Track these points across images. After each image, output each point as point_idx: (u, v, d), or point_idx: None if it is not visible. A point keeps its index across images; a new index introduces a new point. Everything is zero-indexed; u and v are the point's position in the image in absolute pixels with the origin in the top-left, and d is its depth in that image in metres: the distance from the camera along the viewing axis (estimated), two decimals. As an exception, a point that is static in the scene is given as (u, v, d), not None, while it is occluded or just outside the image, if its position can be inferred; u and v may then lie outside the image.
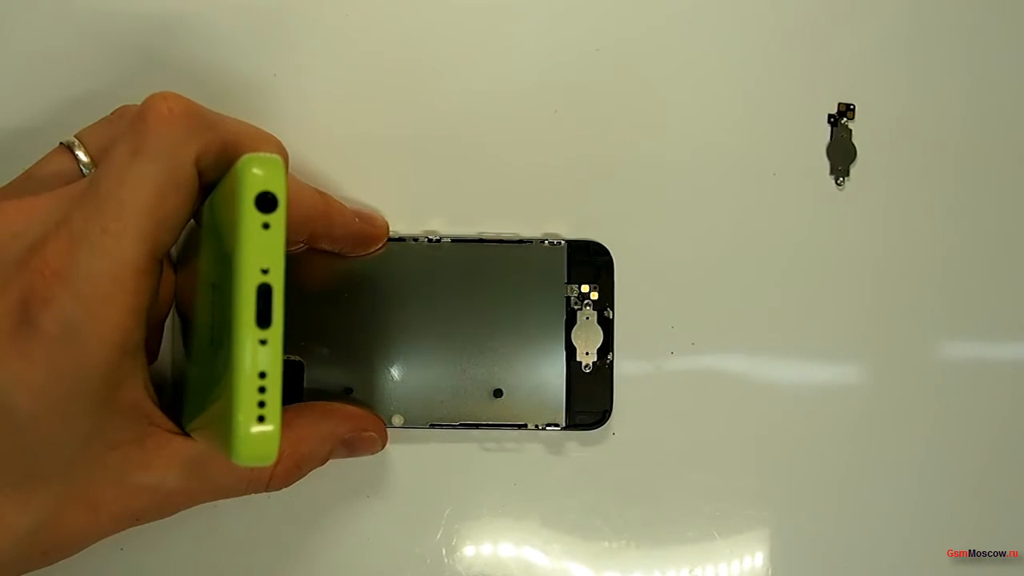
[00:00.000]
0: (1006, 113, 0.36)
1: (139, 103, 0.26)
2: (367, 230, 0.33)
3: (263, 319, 0.23)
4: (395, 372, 0.33)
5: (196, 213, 0.27)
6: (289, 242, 0.24)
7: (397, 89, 0.35)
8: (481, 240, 0.34)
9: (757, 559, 0.35)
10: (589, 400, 0.34)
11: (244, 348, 0.22)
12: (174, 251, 0.32)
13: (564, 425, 0.34)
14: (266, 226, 0.23)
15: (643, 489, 0.35)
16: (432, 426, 0.33)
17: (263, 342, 0.23)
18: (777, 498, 0.35)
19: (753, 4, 0.36)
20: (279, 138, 0.29)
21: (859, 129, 0.36)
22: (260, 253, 0.23)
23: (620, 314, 0.34)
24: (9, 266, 0.25)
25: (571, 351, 0.34)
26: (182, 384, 0.31)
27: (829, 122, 0.36)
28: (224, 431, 0.23)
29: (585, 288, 0.34)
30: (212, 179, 0.27)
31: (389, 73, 0.35)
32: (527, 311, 0.34)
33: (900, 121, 0.36)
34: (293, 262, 0.31)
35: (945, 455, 0.36)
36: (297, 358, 0.33)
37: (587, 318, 0.34)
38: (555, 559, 0.35)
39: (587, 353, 0.34)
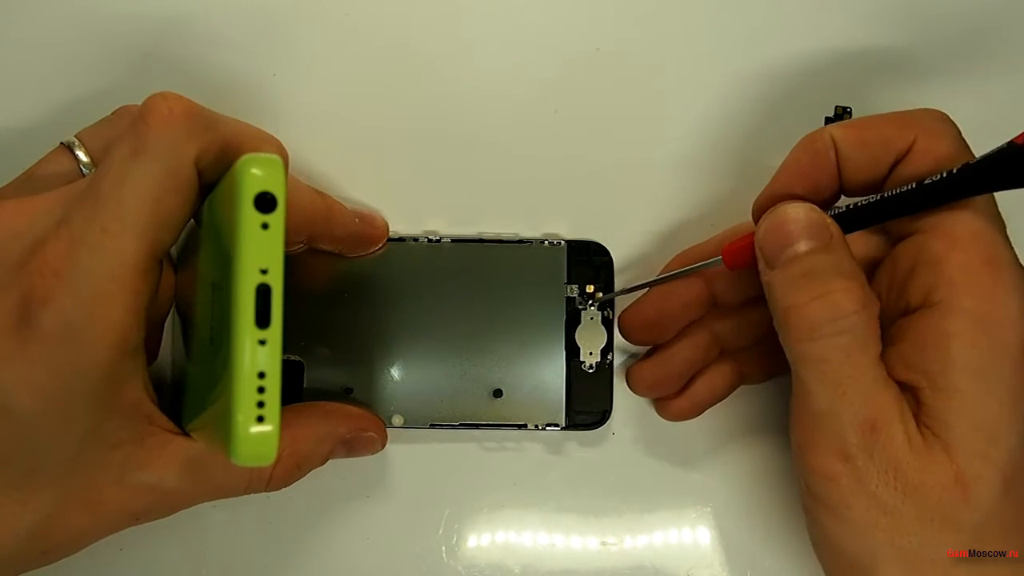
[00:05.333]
0: (1005, 114, 0.36)
1: (139, 103, 0.26)
2: (367, 230, 0.33)
3: (262, 319, 0.23)
4: (395, 372, 0.33)
5: (196, 213, 0.27)
6: (289, 242, 0.24)
7: (397, 89, 0.35)
8: (481, 240, 0.34)
9: (756, 559, 0.35)
10: (589, 400, 0.34)
11: (243, 348, 0.23)
12: (174, 251, 0.32)
13: (564, 425, 0.34)
14: (265, 226, 0.23)
15: (643, 489, 0.35)
16: (432, 426, 0.33)
17: (262, 342, 0.23)
18: (777, 498, 0.35)
19: (752, 5, 0.36)
20: (279, 138, 0.29)
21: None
22: (259, 253, 0.23)
23: (620, 314, 0.34)
24: (9, 266, 0.25)
25: (571, 351, 0.34)
26: (182, 384, 0.31)
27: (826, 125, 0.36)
28: (223, 431, 0.23)
29: (590, 288, 0.34)
30: (212, 179, 0.27)
31: (389, 73, 0.35)
32: (527, 311, 0.34)
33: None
34: (293, 262, 0.32)
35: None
36: (297, 358, 0.33)
37: (591, 318, 0.34)
38: (555, 559, 0.35)
39: (591, 353, 0.34)
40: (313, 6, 0.35)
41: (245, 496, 0.30)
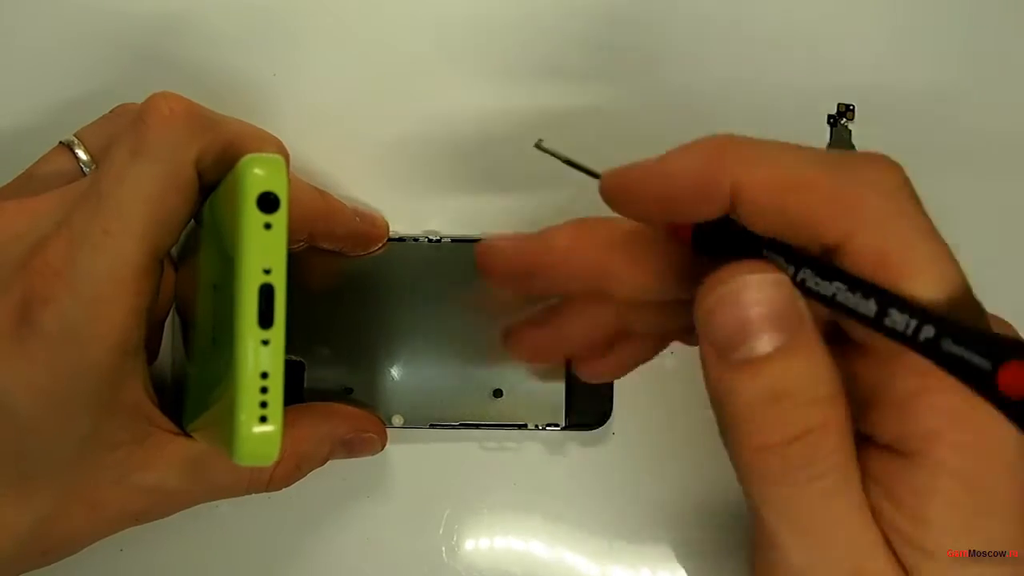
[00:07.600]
0: (1006, 112, 0.36)
1: (139, 102, 0.26)
2: (367, 229, 0.33)
3: (265, 319, 0.23)
4: (395, 372, 0.33)
5: (196, 213, 0.27)
6: (290, 241, 0.24)
7: (397, 89, 0.35)
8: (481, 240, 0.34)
9: (757, 559, 0.35)
10: (589, 400, 0.34)
11: (246, 348, 0.22)
12: (174, 251, 0.32)
13: (564, 425, 0.34)
14: (268, 226, 0.23)
15: (643, 489, 0.35)
16: (432, 426, 0.33)
17: (265, 342, 0.23)
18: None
19: (752, 4, 0.36)
20: (279, 138, 0.29)
21: (859, 129, 0.36)
22: (262, 253, 0.23)
23: (620, 314, 0.34)
24: (10, 266, 0.25)
25: (571, 351, 0.34)
26: (182, 384, 0.31)
27: (829, 122, 0.36)
28: (226, 431, 0.23)
29: None
30: (212, 179, 0.27)
31: (389, 73, 0.35)
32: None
33: (900, 121, 0.36)
34: (293, 262, 0.31)
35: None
36: (298, 358, 0.33)
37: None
38: (555, 559, 0.35)
39: (589, 353, 0.34)
40: (313, 6, 0.35)
41: (245, 496, 0.30)
